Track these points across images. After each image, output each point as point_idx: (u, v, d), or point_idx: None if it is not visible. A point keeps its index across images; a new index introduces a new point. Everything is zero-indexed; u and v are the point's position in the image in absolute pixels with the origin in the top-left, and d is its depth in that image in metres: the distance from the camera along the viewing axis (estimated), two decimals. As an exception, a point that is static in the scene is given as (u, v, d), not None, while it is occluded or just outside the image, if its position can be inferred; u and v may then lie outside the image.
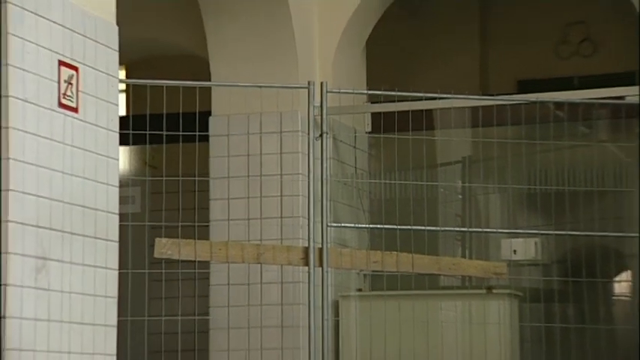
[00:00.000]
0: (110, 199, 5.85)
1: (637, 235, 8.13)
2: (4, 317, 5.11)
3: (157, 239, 7.07)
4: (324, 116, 7.53)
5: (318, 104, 7.55)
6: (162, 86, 7.45)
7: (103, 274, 5.76)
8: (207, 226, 8.14)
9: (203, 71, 8.52)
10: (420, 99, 8.14)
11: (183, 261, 7.27)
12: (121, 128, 5.96)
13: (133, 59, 9.84)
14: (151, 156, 9.09)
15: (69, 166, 5.56)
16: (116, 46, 5.96)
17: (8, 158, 5.18)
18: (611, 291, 8.95)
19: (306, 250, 7.35)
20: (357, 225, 8.26)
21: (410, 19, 10.50)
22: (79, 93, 5.65)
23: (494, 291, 8.06)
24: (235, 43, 8.38)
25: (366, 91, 8.78)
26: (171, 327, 7.80)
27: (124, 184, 6.17)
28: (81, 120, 5.66)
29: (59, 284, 5.45)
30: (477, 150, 8.61)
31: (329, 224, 7.43)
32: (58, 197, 5.48)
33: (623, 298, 9.04)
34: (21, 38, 5.28)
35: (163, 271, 7.55)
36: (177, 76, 7.70)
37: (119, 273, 5.89)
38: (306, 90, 7.59)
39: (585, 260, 8.06)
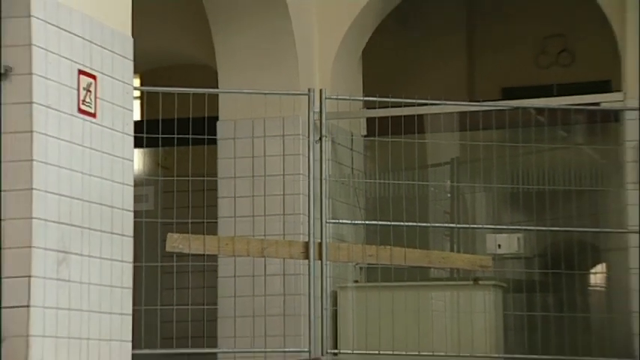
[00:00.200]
0: (125, 198, 5.86)
1: (611, 230, 8.17)
2: (29, 306, 5.13)
3: (169, 234, 7.08)
4: (323, 121, 7.53)
5: (318, 110, 7.55)
6: (174, 93, 7.47)
7: (119, 267, 5.78)
8: (215, 222, 8.14)
9: (211, 79, 8.51)
10: (411, 105, 8.15)
11: (193, 255, 7.26)
12: (135, 132, 5.97)
13: (146, 68, 9.81)
14: (163, 157, 9.07)
15: (88, 167, 5.57)
16: (131, 57, 5.96)
17: (32, 160, 5.19)
18: (588, 282, 8.94)
19: (307, 244, 7.35)
20: (353, 221, 8.22)
21: (402, 31, 10.49)
22: (97, 100, 5.66)
23: (481, 282, 8.05)
24: (241, 54, 8.37)
25: (361, 98, 8.74)
26: (182, 315, 7.77)
27: (138, 183, 6.16)
28: (99, 124, 5.67)
29: (79, 276, 5.46)
30: (464, 152, 8.60)
31: (328, 221, 7.42)
32: (78, 196, 5.49)
33: (598, 288, 9.04)
34: (44, 49, 5.29)
35: (175, 263, 7.53)
36: (187, 84, 7.69)
37: (134, 265, 5.90)
38: (307, 97, 7.60)
39: (564, 254, 8.04)
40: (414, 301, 8.01)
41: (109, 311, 5.68)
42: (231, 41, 8.39)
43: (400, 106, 8.20)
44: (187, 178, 7.63)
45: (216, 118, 8.34)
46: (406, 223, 7.72)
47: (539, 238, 8.53)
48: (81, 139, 5.53)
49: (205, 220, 7.67)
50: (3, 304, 5.14)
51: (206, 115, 7.87)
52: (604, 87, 9.12)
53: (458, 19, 10.92)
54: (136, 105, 8.91)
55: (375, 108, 8.59)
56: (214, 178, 8.23)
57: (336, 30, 8.65)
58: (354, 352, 7.72)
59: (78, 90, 5.52)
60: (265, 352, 7.80)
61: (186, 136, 7.45)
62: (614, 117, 8.12)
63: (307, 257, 7.32)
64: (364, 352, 7.70)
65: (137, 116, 8.63)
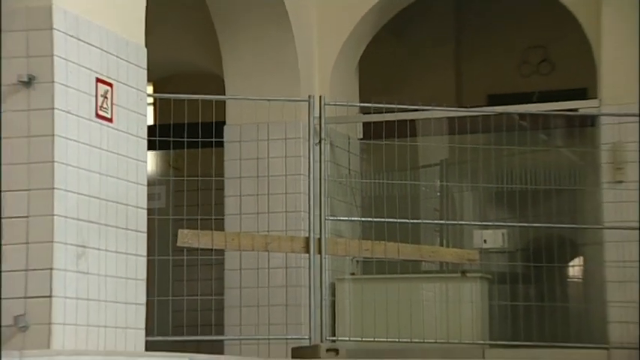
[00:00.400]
0: (139, 196, 5.86)
1: (587, 226, 8.17)
2: (51, 296, 5.14)
3: (180, 230, 7.05)
4: (323, 125, 7.50)
5: (317, 115, 7.52)
6: (184, 100, 7.45)
7: (134, 260, 5.78)
8: (223, 219, 8.13)
9: (219, 87, 8.52)
10: (404, 110, 8.14)
11: (201, 249, 7.24)
12: (148, 136, 5.97)
13: (159, 77, 9.81)
14: (174, 159, 9.07)
15: (104, 168, 5.58)
16: (145, 66, 5.97)
17: (53, 161, 5.20)
18: (566, 274, 8.93)
19: (307, 239, 7.33)
20: (350, 218, 8.22)
21: (396, 42, 10.49)
22: (113, 106, 5.67)
23: (468, 274, 8.05)
24: (246, 63, 8.37)
25: (358, 104, 8.72)
26: (191, 305, 7.77)
27: (151, 183, 6.15)
28: (115, 129, 5.67)
29: (97, 268, 5.47)
30: (452, 154, 8.62)
31: (326, 218, 7.39)
32: (96, 194, 5.50)
33: (575, 280, 9.04)
34: (64, 59, 5.30)
35: (185, 257, 7.49)
36: (196, 91, 7.69)
37: (147, 259, 5.90)
38: (307, 103, 7.58)
39: (545, 248, 8.03)
40: (406, 292, 7.99)
41: (125, 301, 5.68)
42: (237, 52, 8.39)
43: (393, 112, 8.19)
44: (197, 178, 7.62)
45: (224, 123, 8.33)
46: (399, 220, 7.72)
47: (521, 233, 8.50)
48: (98, 142, 5.54)
49: (213, 217, 7.69)
50: (27, 295, 5.15)
51: (214, 120, 7.88)
52: (581, 94, 9.13)
53: (446, 32, 10.93)
54: (149, 111, 8.90)
55: (370, 113, 8.53)
56: (221, 178, 8.21)
57: (335, 41, 8.64)
58: (351, 339, 7.71)
59: (96, 97, 5.53)
60: (269, 339, 7.79)
61: (196, 139, 7.46)
62: (590, 122, 8.10)
63: (308, 251, 7.30)
64: (360, 339, 7.69)
65: (150, 121, 8.60)
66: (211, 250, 7.34)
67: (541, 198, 8.05)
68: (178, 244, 7.05)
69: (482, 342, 7.84)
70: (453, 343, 7.66)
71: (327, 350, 7.02)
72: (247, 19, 8.27)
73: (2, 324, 5.13)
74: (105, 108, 5.60)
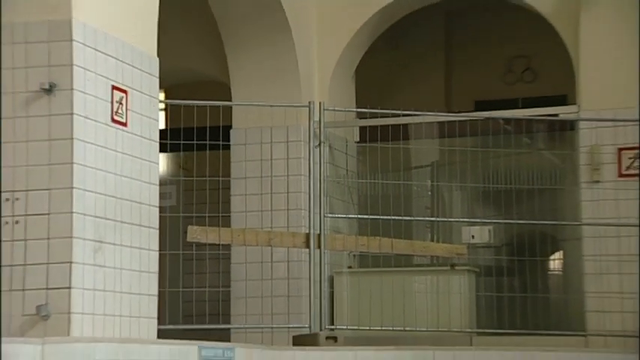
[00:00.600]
0: (152, 195, 5.88)
1: (567, 223, 8.15)
2: (70, 288, 5.16)
3: (189, 227, 7.06)
4: (322, 129, 7.46)
5: (317, 119, 7.48)
6: (193, 106, 7.42)
7: (147, 254, 5.80)
8: (229, 216, 8.12)
9: (225, 94, 8.51)
10: (397, 115, 8.13)
11: (209, 244, 7.23)
12: (160, 139, 6.00)
13: (170, 84, 9.78)
14: (184, 161, 9.07)
15: (119, 169, 5.60)
16: (157, 74, 5.99)
17: (72, 163, 5.22)
18: (547, 267, 8.93)
19: (307, 235, 7.31)
20: (348, 215, 8.21)
21: (390, 51, 10.46)
22: (128, 111, 5.69)
23: (457, 268, 8.02)
24: (251, 72, 8.36)
25: (355, 109, 8.71)
26: (200, 296, 7.76)
27: (162, 183, 6.14)
28: (129, 132, 5.70)
29: (112, 262, 5.49)
30: (442, 156, 8.57)
31: (325, 215, 7.35)
32: (111, 193, 5.52)
33: (556, 272, 9.03)
34: (83, 68, 5.33)
35: (194, 252, 7.46)
36: (205, 97, 7.68)
37: (159, 253, 5.92)
38: (307, 108, 7.55)
39: (528, 243, 8.04)
40: (399, 284, 7.97)
41: (138, 292, 5.70)
42: (242, 61, 8.37)
43: (388, 117, 8.17)
44: (205, 179, 7.59)
45: (230, 127, 8.33)
46: (393, 217, 7.70)
47: (506, 229, 8.50)
48: (114, 145, 5.56)
49: (220, 215, 7.65)
50: (48, 286, 5.17)
51: (221, 124, 7.82)
52: (561, 101, 9.09)
53: (437, 43, 10.90)
54: (161, 116, 8.89)
55: (366, 118, 8.54)
56: (228, 178, 8.20)
57: (333, 50, 8.62)
58: (348, 327, 7.66)
59: (111, 103, 5.55)
60: (272, 327, 7.77)
61: (204, 142, 7.43)
62: (569, 126, 8.09)
63: (308, 246, 7.28)
64: (357, 327, 7.64)
65: (162, 125, 8.60)
66: (218, 245, 7.33)
67: (524, 197, 8.04)
68: (188, 239, 7.05)
69: (470, 330, 7.84)
70: (443, 331, 7.64)
71: (326, 338, 7.03)
72: (252, 31, 8.26)
73: (25, 313, 5.16)
74: (120, 113, 5.62)
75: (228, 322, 7.99)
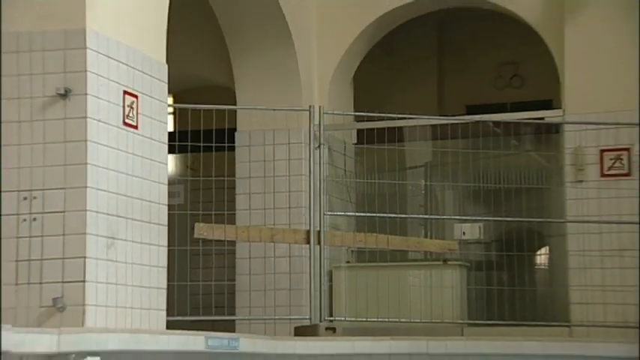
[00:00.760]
0: (161, 194, 5.88)
1: (552, 220, 8.12)
2: (85, 281, 5.18)
3: (196, 224, 7.05)
4: (321, 132, 7.47)
5: (317, 122, 7.49)
6: (200, 109, 7.41)
7: (156, 250, 5.81)
8: (234, 214, 8.09)
9: (231, 98, 8.50)
10: (392, 119, 8.13)
11: (215, 240, 7.22)
12: (169, 141, 6.00)
13: (179, 89, 9.75)
14: (191, 161, 9.03)
15: (130, 169, 5.61)
16: (166, 80, 6.00)
17: (86, 163, 5.24)
18: (534, 262, 8.89)
19: (308, 232, 7.31)
20: (346, 213, 8.18)
21: (386, 58, 10.42)
22: (139, 115, 5.70)
23: (449, 262, 8.01)
24: (255, 77, 8.35)
25: (352, 113, 8.71)
26: (207, 289, 7.73)
27: (171, 182, 6.13)
28: (139, 135, 5.71)
29: (124, 257, 5.50)
30: (435, 157, 8.58)
31: (325, 213, 7.35)
32: (123, 192, 5.53)
33: (542, 267, 8.99)
34: (96, 74, 5.34)
35: (201, 247, 7.46)
36: (211, 101, 7.65)
37: (168, 249, 5.93)
38: (308, 112, 7.56)
39: (516, 239, 8.07)
40: (395, 278, 7.97)
41: (148, 286, 5.71)
42: (246, 67, 8.37)
43: (383, 120, 8.19)
44: (211, 178, 7.60)
45: (235, 130, 8.32)
46: (389, 215, 7.70)
47: (496, 226, 8.48)
48: (125, 147, 5.57)
49: (226, 212, 7.62)
50: (64, 280, 5.18)
51: (226, 127, 7.81)
52: (547, 105, 9.08)
53: (430, 50, 10.87)
54: (170, 119, 8.90)
55: (363, 121, 8.51)
56: (233, 178, 8.18)
57: (332, 57, 8.61)
58: (346, 319, 7.65)
59: (123, 107, 5.56)
60: (275, 319, 7.76)
61: (210, 144, 7.43)
62: (555, 129, 8.08)
63: (308, 242, 7.28)
64: (354, 319, 7.64)
65: (170, 128, 8.60)
66: (224, 241, 7.32)
67: (513, 195, 7.99)
68: (195, 235, 7.05)
69: (461, 321, 7.83)
70: (436, 322, 7.64)
71: (326, 329, 7.04)
72: (255, 39, 8.26)
73: (42, 305, 5.17)
74: (131, 117, 5.63)
75: (233, 314, 7.98)
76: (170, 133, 6.13)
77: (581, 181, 7.81)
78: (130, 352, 5.01)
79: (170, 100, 8.92)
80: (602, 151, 7.77)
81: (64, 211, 5.22)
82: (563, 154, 7.92)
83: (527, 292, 8.04)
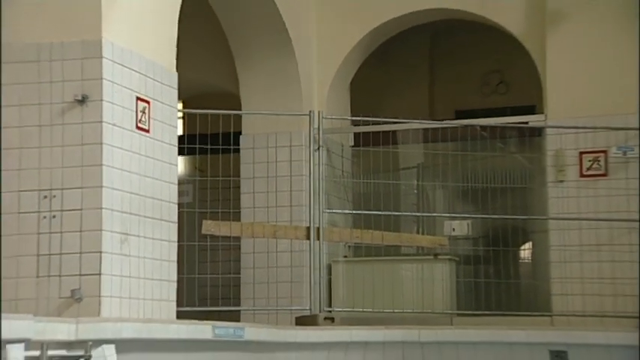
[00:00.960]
0: (171, 193, 5.89)
1: (535, 217, 8.12)
2: (100, 274, 5.20)
3: (204, 221, 7.04)
4: (321, 135, 7.44)
5: (316, 126, 7.46)
6: (208, 114, 7.37)
7: (167, 245, 5.81)
8: (239, 211, 8.09)
9: (236, 103, 8.48)
10: (387, 123, 8.13)
11: (222, 236, 7.19)
12: (178, 144, 6.00)
13: (188, 95, 9.74)
14: (199, 163, 9.02)
15: (143, 170, 5.62)
16: (176, 87, 6.00)
17: (102, 164, 5.26)
18: (518, 256, 8.87)
19: (308, 228, 7.30)
20: (343, 211, 8.17)
21: (381, 66, 10.40)
22: (150, 119, 5.71)
23: (439, 257, 7.99)
24: (258, 84, 8.34)
25: (350, 117, 8.70)
26: (214, 282, 7.70)
27: (180, 182, 6.10)
28: (151, 138, 5.71)
29: (137, 252, 5.51)
30: (427, 159, 8.57)
31: (324, 210, 7.34)
32: (136, 191, 5.54)
33: (526, 261, 8.98)
34: (111, 82, 5.35)
35: (208, 243, 7.36)
36: (218, 107, 7.64)
37: (177, 244, 5.93)
38: (308, 116, 7.53)
39: (501, 235, 8.06)
40: (389, 272, 7.96)
41: (159, 278, 5.72)
42: (250, 75, 8.36)
43: (379, 124, 8.17)
44: (218, 178, 7.57)
45: (240, 133, 8.30)
46: (383, 212, 7.69)
47: (483, 223, 8.45)
48: (138, 149, 5.58)
49: (231, 210, 7.65)
50: (81, 273, 5.18)
51: (232, 131, 7.86)
52: (530, 110, 9.07)
53: (422, 59, 10.85)
54: (179, 123, 8.90)
55: (359, 125, 8.51)
56: (238, 178, 8.19)
57: (331, 65, 8.60)
58: (344, 309, 7.65)
59: (136, 112, 5.57)
60: (277, 309, 7.75)
61: (217, 146, 7.42)
62: (537, 133, 8.08)
63: (308, 238, 7.27)
64: (351, 309, 7.62)
65: (180, 132, 8.61)
66: (230, 237, 7.30)
67: (498, 194, 7.98)
68: (203, 232, 7.03)
69: (450, 312, 7.80)
70: (427, 312, 7.61)
71: (325, 319, 7.05)
72: (259, 49, 8.25)
73: (61, 296, 5.18)
74: (143, 121, 5.64)
75: (239, 305, 7.98)
76: (180, 137, 6.12)
77: (561, 181, 7.81)
78: (143, 340, 5.02)
79: (180, 106, 8.92)
80: (581, 153, 7.78)
81: (81, 209, 5.23)
82: (545, 156, 7.92)
83: (512, 284, 7.99)
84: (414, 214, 8.59)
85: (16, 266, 5.22)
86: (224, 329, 5.65)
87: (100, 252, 5.21)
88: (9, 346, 3.82)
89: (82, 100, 5.29)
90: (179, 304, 5.98)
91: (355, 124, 8.69)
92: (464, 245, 8.55)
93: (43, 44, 5.35)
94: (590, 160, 7.77)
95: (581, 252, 7.67)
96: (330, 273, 8.06)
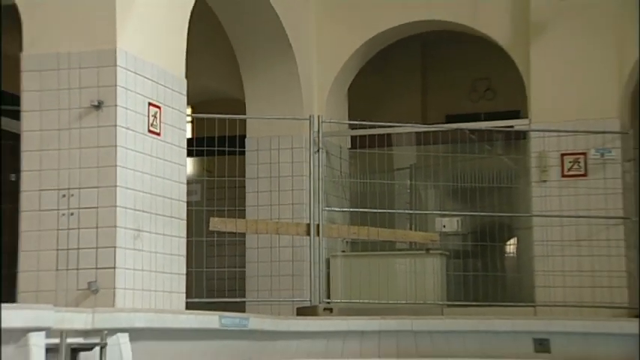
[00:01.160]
0: (181, 192, 5.89)
1: (520, 214, 8.10)
2: (115, 268, 5.22)
3: (211, 218, 7.03)
4: (320, 138, 7.45)
5: (316, 130, 7.47)
6: (215, 118, 7.37)
7: (177, 241, 5.81)
8: (244, 209, 8.07)
9: (241, 108, 8.45)
10: (382, 126, 8.14)
11: (228, 232, 7.20)
12: (187, 146, 6.00)
13: (196, 100, 9.73)
14: (207, 164, 9.04)
15: (154, 171, 5.62)
16: (185, 93, 6.00)
17: (116, 165, 5.26)
18: (504, 251, 8.89)
19: (308, 225, 7.29)
20: (342, 209, 8.17)
21: (377, 73, 10.35)
22: (161, 123, 5.71)
23: (431, 252, 7.99)
24: (262, 90, 8.31)
25: (348, 122, 8.66)
26: (220, 275, 7.69)
27: (189, 182, 6.10)
28: (162, 141, 5.72)
29: (149, 247, 5.52)
30: (419, 160, 8.55)
31: (323, 208, 7.33)
32: (148, 191, 5.54)
33: (511, 255, 8.97)
34: (125, 88, 5.36)
35: (215, 238, 7.41)
36: (224, 111, 7.59)
37: (187, 240, 5.93)
38: (308, 120, 7.55)
39: (489, 231, 8.06)
40: (384, 265, 7.94)
41: (170, 272, 5.72)
42: (255, 81, 8.32)
43: (374, 127, 8.17)
44: (224, 178, 7.55)
45: (245, 136, 8.29)
46: (379, 210, 7.69)
47: (471, 220, 8.43)
48: (150, 151, 5.59)
49: (237, 208, 7.64)
50: (97, 266, 5.19)
51: (237, 134, 7.85)
52: (516, 115, 9.07)
53: (415, 67, 10.82)
54: (188, 127, 8.89)
55: (357, 128, 8.48)
56: (243, 179, 8.15)
57: (330, 72, 8.56)
58: (342, 301, 7.64)
59: (148, 116, 5.58)
60: (279, 301, 7.74)
61: (224, 148, 7.39)
62: (522, 136, 8.08)
63: (309, 234, 7.26)
64: (349, 301, 7.62)
65: (189, 135, 8.59)
66: (235, 233, 7.30)
67: (486, 193, 7.96)
68: (210, 228, 7.02)
69: (441, 302, 7.78)
70: (420, 303, 7.61)
71: (324, 309, 7.05)
72: (262, 57, 8.23)
73: (79, 288, 5.19)
74: (155, 125, 5.65)
75: (244, 297, 7.95)
76: (189, 139, 6.11)
77: (544, 181, 7.81)
78: (155, 329, 5.02)
79: (189, 111, 8.88)
80: (563, 155, 7.78)
81: (97, 207, 5.25)
82: (529, 158, 7.92)
83: (499, 277, 8.02)
84: (407, 211, 8.57)
85: (37, 260, 5.24)
86: (230, 319, 5.65)
87: (115, 247, 5.22)
88: (31, 334, 3.85)
89: (98, 106, 5.30)
90: (188, 295, 5.98)
91: (352, 127, 8.67)
92: (454, 241, 8.54)
93: (62, 54, 5.37)
94: (570, 162, 7.78)
95: (562, 247, 7.68)
96: (328, 267, 8.05)
